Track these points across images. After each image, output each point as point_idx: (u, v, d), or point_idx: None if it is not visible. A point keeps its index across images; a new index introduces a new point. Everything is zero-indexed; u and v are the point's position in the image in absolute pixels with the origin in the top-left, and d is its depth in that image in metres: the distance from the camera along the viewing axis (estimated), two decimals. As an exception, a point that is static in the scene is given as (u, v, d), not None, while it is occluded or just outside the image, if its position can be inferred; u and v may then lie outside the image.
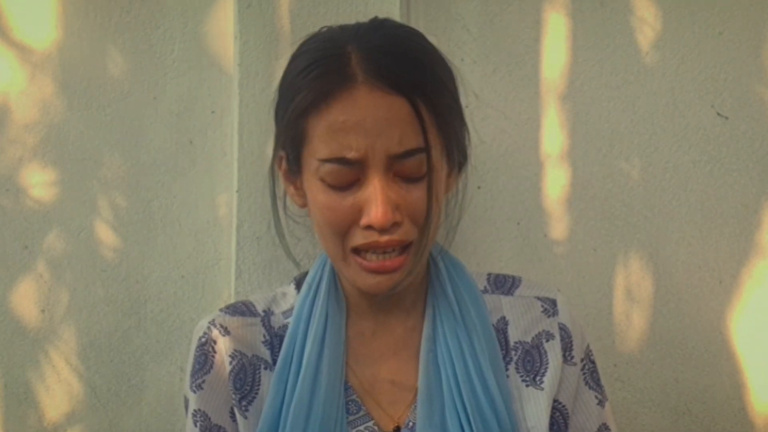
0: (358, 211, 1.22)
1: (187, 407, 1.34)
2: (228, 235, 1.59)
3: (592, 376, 1.36)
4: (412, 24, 1.56)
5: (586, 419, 1.35)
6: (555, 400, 1.33)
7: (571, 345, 1.34)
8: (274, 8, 1.55)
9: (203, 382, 1.31)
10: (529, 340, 1.35)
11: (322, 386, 1.27)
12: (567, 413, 1.34)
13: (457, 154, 1.31)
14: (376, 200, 1.20)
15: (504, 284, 1.38)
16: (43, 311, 1.59)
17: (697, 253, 1.62)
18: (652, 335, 1.63)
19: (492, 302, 1.36)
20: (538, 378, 1.33)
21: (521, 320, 1.35)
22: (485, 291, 1.37)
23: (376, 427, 1.30)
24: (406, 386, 1.32)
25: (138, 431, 1.61)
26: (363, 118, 1.20)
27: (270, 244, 1.53)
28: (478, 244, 1.61)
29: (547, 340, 1.34)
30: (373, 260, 1.24)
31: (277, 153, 1.33)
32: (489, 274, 1.40)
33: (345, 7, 1.55)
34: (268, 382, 1.31)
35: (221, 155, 1.60)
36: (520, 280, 1.39)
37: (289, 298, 1.38)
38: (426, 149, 1.22)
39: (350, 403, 1.31)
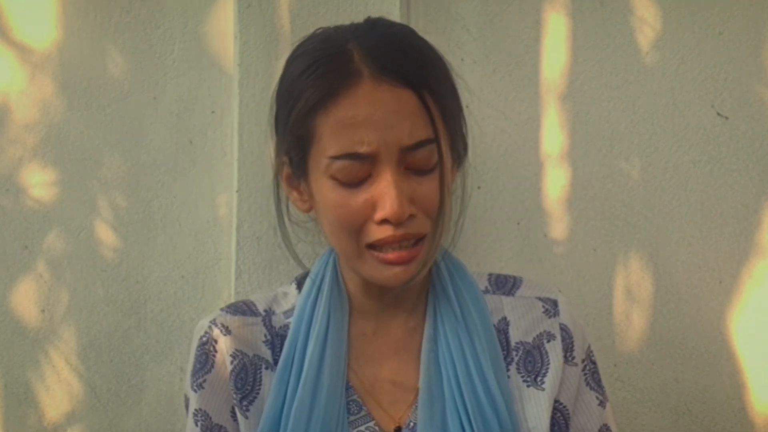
0: (372, 207, 1.22)
1: (187, 407, 1.33)
2: (228, 235, 1.59)
3: (593, 376, 1.36)
4: (412, 24, 1.56)
5: (587, 420, 1.35)
6: (556, 401, 1.33)
7: (572, 345, 1.34)
8: (274, 8, 1.55)
9: (204, 381, 1.31)
10: (530, 340, 1.35)
11: (324, 387, 1.27)
12: (568, 414, 1.34)
13: (459, 146, 1.31)
14: (390, 194, 1.21)
15: (505, 285, 1.38)
16: (43, 311, 1.59)
17: (697, 253, 1.63)
18: (652, 335, 1.63)
19: (493, 303, 1.36)
20: (539, 378, 1.33)
21: (522, 321, 1.35)
22: (486, 291, 1.37)
23: (377, 428, 1.30)
24: (407, 386, 1.32)
25: (138, 431, 1.61)
26: (372, 113, 1.20)
27: (270, 244, 1.53)
28: (478, 244, 1.61)
29: (548, 341, 1.34)
30: (389, 252, 1.24)
31: (279, 159, 1.32)
32: (490, 275, 1.40)
33: (345, 7, 1.55)
34: (269, 382, 1.31)
35: (221, 155, 1.60)
36: (521, 281, 1.39)
37: (290, 297, 1.38)
38: (436, 140, 1.23)
39: (351, 403, 1.31)
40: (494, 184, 1.62)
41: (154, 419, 1.61)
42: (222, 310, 1.36)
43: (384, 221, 1.22)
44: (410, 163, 1.22)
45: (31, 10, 1.58)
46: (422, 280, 1.34)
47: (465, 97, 1.34)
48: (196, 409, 1.30)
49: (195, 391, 1.31)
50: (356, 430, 1.29)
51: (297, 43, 1.31)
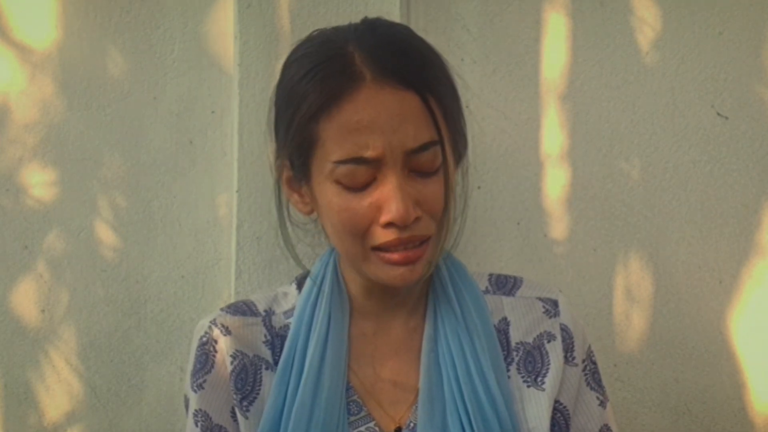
0: (377, 210, 1.22)
1: (187, 407, 1.33)
2: (228, 235, 1.59)
3: (593, 376, 1.36)
4: (412, 24, 1.56)
5: (587, 420, 1.35)
6: (556, 401, 1.33)
7: (573, 346, 1.34)
8: (274, 8, 1.55)
9: (204, 381, 1.31)
10: (530, 340, 1.35)
11: (324, 387, 1.27)
12: (568, 414, 1.34)
13: (461, 145, 1.31)
14: (395, 197, 1.20)
15: (505, 285, 1.38)
16: (43, 311, 1.59)
17: (697, 253, 1.63)
18: (652, 335, 1.63)
19: (493, 303, 1.36)
20: (539, 379, 1.33)
21: (523, 321, 1.35)
22: (487, 291, 1.37)
23: (377, 428, 1.30)
24: (408, 387, 1.32)
25: (138, 431, 1.61)
26: (377, 116, 1.20)
27: (270, 244, 1.53)
28: (478, 244, 1.61)
29: (549, 341, 1.34)
30: (395, 253, 1.24)
31: (279, 162, 1.31)
32: (490, 275, 1.40)
33: (345, 7, 1.55)
34: (270, 382, 1.31)
35: (221, 155, 1.60)
36: (521, 281, 1.39)
37: (291, 298, 1.38)
38: (440, 141, 1.23)
39: (351, 403, 1.31)
40: (494, 184, 1.62)
41: (154, 419, 1.61)
42: (222, 310, 1.36)
43: (389, 224, 1.22)
44: (414, 166, 1.22)
45: (31, 10, 1.58)
46: (423, 281, 1.34)
47: (465, 97, 1.34)
48: (196, 410, 1.30)
49: (195, 391, 1.31)
50: (356, 430, 1.29)
51: (294, 46, 1.30)
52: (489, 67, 1.62)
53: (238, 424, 1.30)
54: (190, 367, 1.33)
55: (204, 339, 1.33)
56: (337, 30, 1.28)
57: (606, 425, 1.36)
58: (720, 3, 1.63)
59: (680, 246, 1.63)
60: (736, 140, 1.63)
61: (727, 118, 1.63)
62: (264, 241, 1.54)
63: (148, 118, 1.60)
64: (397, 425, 1.30)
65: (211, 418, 1.30)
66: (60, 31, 1.59)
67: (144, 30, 1.60)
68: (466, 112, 1.34)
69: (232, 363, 1.31)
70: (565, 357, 1.34)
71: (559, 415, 1.33)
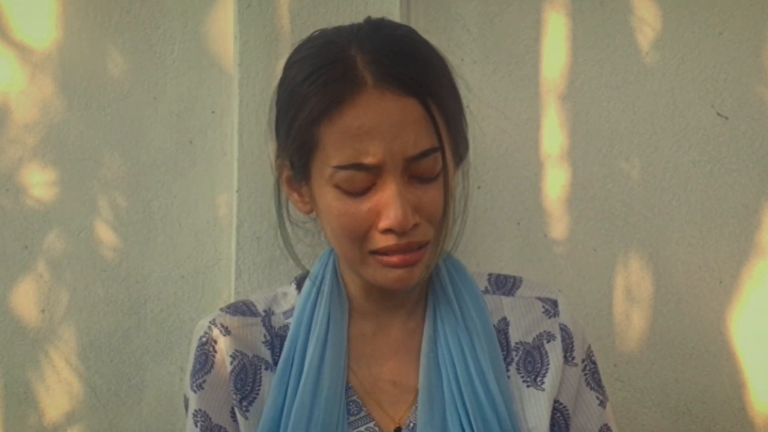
0: (376, 215, 1.22)
1: (187, 407, 1.33)
2: (228, 235, 1.59)
3: (593, 376, 1.36)
4: (412, 24, 1.56)
5: (587, 420, 1.35)
6: (556, 401, 1.33)
7: (572, 346, 1.34)
8: (274, 8, 1.55)
9: (204, 381, 1.31)
10: (530, 340, 1.35)
11: (324, 388, 1.27)
12: (568, 414, 1.34)
13: (462, 149, 1.31)
14: (395, 203, 1.20)
15: (505, 285, 1.38)
16: (43, 311, 1.59)
17: (697, 253, 1.63)
18: (652, 335, 1.63)
19: (493, 303, 1.36)
20: (539, 379, 1.33)
21: (522, 321, 1.35)
22: (486, 291, 1.37)
23: (377, 428, 1.30)
24: (407, 387, 1.32)
25: (138, 431, 1.61)
26: (378, 123, 1.19)
27: (270, 244, 1.53)
28: (478, 244, 1.61)
29: (548, 341, 1.34)
30: (393, 256, 1.23)
31: (280, 162, 1.31)
32: (490, 275, 1.40)
33: (345, 7, 1.55)
34: (269, 382, 1.30)
35: (221, 155, 1.60)
36: (521, 281, 1.39)
37: (290, 298, 1.38)
38: (440, 148, 1.22)
39: (351, 403, 1.31)
40: (494, 184, 1.62)
41: (154, 419, 1.61)
42: (221, 310, 1.36)
43: (388, 230, 1.22)
44: (414, 172, 1.22)
45: (31, 10, 1.58)
46: (423, 282, 1.34)
47: (465, 97, 1.34)
48: (195, 410, 1.30)
49: (195, 391, 1.31)
50: (356, 430, 1.29)
51: (296, 46, 1.30)
52: (489, 67, 1.62)
53: (237, 424, 1.30)
54: (189, 367, 1.33)
55: (204, 339, 1.33)
56: (339, 31, 1.28)
57: (606, 425, 1.36)
58: (720, 3, 1.63)
59: (680, 246, 1.63)
60: (736, 140, 1.63)
61: (727, 118, 1.63)
62: (264, 241, 1.54)
63: (148, 118, 1.60)
64: (397, 425, 1.30)
65: (210, 419, 1.30)
66: (60, 31, 1.59)
67: (144, 30, 1.60)
68: (466, 112, 1.34)
69: (231, 363, 1.31)
70: (565, 357, 1.34)
71: (558, 415, 1.33)
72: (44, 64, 1.59)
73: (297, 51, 1.29)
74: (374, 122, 1.19)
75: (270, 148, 1.36)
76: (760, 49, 1.63)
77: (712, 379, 1.63)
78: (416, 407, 1.29)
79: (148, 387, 1.61)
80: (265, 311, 1.36)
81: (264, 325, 1.35)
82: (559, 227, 1.62)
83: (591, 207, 1.62)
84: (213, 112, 1.61)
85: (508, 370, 1.33)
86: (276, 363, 1.31)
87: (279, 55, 1.52)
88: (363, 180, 1.21)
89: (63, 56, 1.59)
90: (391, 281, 1.25)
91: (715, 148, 1.63)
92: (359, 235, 1.23)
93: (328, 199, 1.24)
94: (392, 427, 1.30)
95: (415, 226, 1.22)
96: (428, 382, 1.29)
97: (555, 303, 1.37)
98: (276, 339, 1.34)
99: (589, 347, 1.38)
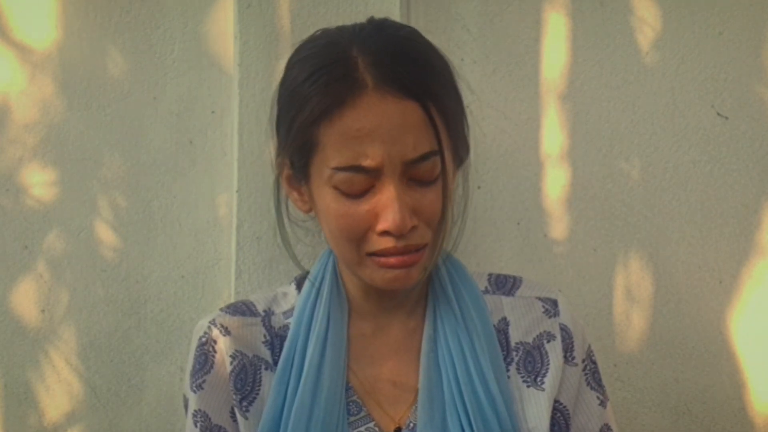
0: (374, 217, 1.22)
1: (186, 407, 1.33)
2: (228, 235, 1.59)
3: (593, 376, 1.36)
4: (412, 24, 1.56)
5: (588, 420, 1.35)
6: (556, 401, 1.33)
7: (573, 345, 1.34)
8: (274, 8, 1.55)
9: (204, 382, 1.31)
10: (530, 340, 1.35)
11: (324, 388, 1.27)
12: (568, 414, 1.34)
13: (462, 151, 1.31)
14: (393, 206, 1.20)
15: (505, 284, 1.38)
16: (43, 311, 1.59)
17: (697, 253, 1.63)
18: (652, 335, 1.63)
19: (493, 303, 1.36)
20: (539, 379, 1.33)
21: (522, 321, 1.35)
22: (486, 291, 1.37)
23: (377, 428, 1.30)
24: (407, 387, 1.32)
25: (138, 431, 1.61)
26: (377, 126, 1.19)
27: (270, 244, 1.53)
28: (478, 244, 1.61)
29: (548, 341, 1.34)
30: (391, 257, 1.23)
31: (280, 160, 1.31)
32: (490, 275, 1.40)
33: (345, 7, 1.55)
34: (269, 382, 1.30)
35: (221, 155, 1.60)
36: (521, 281, 1.39)
37: (290, 298, 1.38)
38: (440, 152, 1.22)
39: (351, 404, 1.31)
40: (494, 184, 1.62)
41: (154, 419, 1.61)
42: (221, 310, 1.36)
43: (385, 233, 1.22)
44: (413, 175, 1.22)
45: (31, 10, 1.58)
46: (422, 281, 1.34)
47: (465, 97, 1.34)
48: (195, 410, 1.30)
49: (194, 391, 1.31)
50: (356, 430, 1.29)
51: (298, 45, 1.29)
52: (489, 67, 1.62)
53: (237, 424, 1.30)
54: (189, 367, 1.33)
55: (203, 339, 1.33)
56: (341, 31, 1.27)
57: (606, 425, 1.36)
58: (720, 3, 1.63)
59: (680, 246, 1.63)
60: (736, 140, 1.63)
61: (727, 118, 1.63)
62: (264, 241, 1.54)
63: (148, 118, 1.60)
64: (397, 425, 1.30)
65: (210, 419, 1.30)
66: (60, 31, 1.59)
67: (144, 30, 1.60)
68: (466, 112, 1.34)
69: (231, 363, 1.31)
70: (565, 357, 1.34)
71: (559, 414, 1.33)
72: (44, 64, 1.59)
73: (299, 50, 1.29)
74: (374, 125, 1.19)
75: (271, 145, 1.36)
76: (760, 49, 1.63)
77: (712, 379, 1.63)
78: (416, 407, 1.29)
79: (148, 387, 1.61)
80: (265, 311, 1.36)
81: (264, 325, 1.35)
82: (559, 227, 1.62)
83: (591, 207, 1.62)
84: (213, 112, 1.61)
85: (508, 370, 1.33)
86: (276, 363, 1.31)
87: (279, 55, 1.52)
88: (362, 182, 1.21)
89: (63, 56, 1.59)
90: (388, 282, 1.25)
91: (715, 148, 1.63)
92: (357, 237, 1.23)
93: (327, 199, 1.24)
94: (392, 427, 1.30)
95: (413, 228, 1.22)
96: (428, 382, 1.29)
97: (555, 303, 1.37)
98: (276, 339, 1.34)
99: (590, 347, 1.37)
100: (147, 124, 1.60)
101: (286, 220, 1.37)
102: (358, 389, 1.31)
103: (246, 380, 1.31)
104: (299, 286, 1.38)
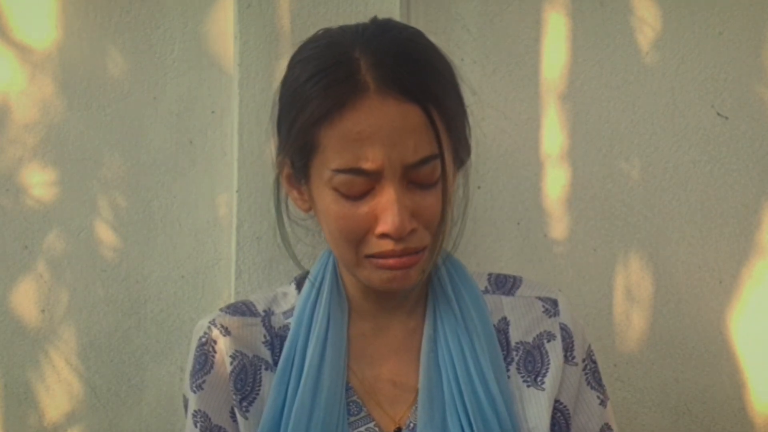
0: (373, 219, 1.22)
1: (186, 407, 1.33)
2: (228, 235, 1.59)
3: (593, 376, 1.36)
4: (412, 24, 1.56)
5: (588, 419, 1.35)
6: (556, 401, 1.33)
7: (573, 345, 1.34)
8: (274, 8, 1.55)
9: (203, 382, 1.31)
10: (530, 340, 1.34)
11: (324, 388, 1.27)
12: (568, 413, 1.34)
13: (463, 153, 1.31)
14: (392, 209, 1.20)
15: (505, 284, 1.38)
16: (43, 311, 1.59)
17: (697, 253, 1.63)
18: (652, 335, 1.63)
19: (493, 302, 1.36)
20: (539, 378, 1.33)
21: (522, 320, 1.35)
22: (486, 291, 1.37)
23: (377, 428, 1.30)
24: (407, 387, 1.32)
25: (138, 431, 1.61)
26: (378, 129, 1.19)
27: (270, 244, 1.53)
28: (478, 244, 1.61)
29: (549, 341, 1.34)
30: (390, 258, 1.23)
31: (280, 159, 1.31)
32: (490, 274, 1.40)
33: (345, 7, 1.55)
34: (269, 382, 1.30)
35: (221, 155, 1.60)
36: (521, 280, 1.39)
37: (290, 298, 1.38)
38: (440, 155, 1.22)
39: (351, 404, 1.31)
40: (494, 184, 1.62)
41: (154, 419, 1.61)
42: (221, 310, 1.36)
43: (384, 235, 1.21)
44: (413, 178, 1.22)
45: (31, 10, 1.58)
46: (422, 282, 1.34)
47: (465, 98, 1.34)
48: (195, 410, 1.30)
49: (194, 392, 1.30)
50: (356, 430, 1.29)
51: (301, 44, 1.29)
52: (489, 67, 1.62)
53: (237, 424, 1.30)
54: (189, 367, 1.33)
55: (203, 339, 1.33)
56: (344, 31, 1.27)
57: (606, 424, 1.36)
58: (720, 3, 1.63)
59: (680, 246, 1.63)
60: (736, 140, 1.63)
61: (727, 118, 1.63)
62: (264, 241, 1.54)
63: (148, 118, 1.60)
64: (397, 425, 1.30)
65: (210, 419, 1.30)
66: (60, 31, 1.59)
67: (144, 30, 1.60)
68: (468, 114, 1.34)
69: (231, 363, 1.31)
70: (565, 356, 1.34)
71: (559, 414, 1.33)
72: (44, 64, 1.59)
73: (301, 50, 1.28)
74: (375, 127, 1.19)
75: (271, 144, 1.36)
76: (760, 49, 1.63)
77: (712, 379, 1.63)
78: (416, 407, 1.29)
79: (148, 387, 1.61)
80: (264, 311, 1.36)
81: (264, 325, 1.35)
82: (559, 227, 1.62)
83: (591, 207, 1.62)
84: (213, 112, 1.61)
85: (508, 370, 1.33)
86: (276, 363, 1.31)
87: (279, 55, 1.52)
88: (361, 184, 1.21)
89: (63, 56, 1.59)
90: (386, 283, 1.25)
91: (715, 148, 1.63)
92: (356, 239, 1.23)
93: (327, 201, 1.24)
94: (392, 427, 1.30)
95: (412, 231, 1.22)
96: (428, 382, 1.29)
97: (555, 302, 1.37)
98: (276, 339, 1.34)
99: (590, 347, 1.37)
100: (147, 124, 1.60)
101: (286, 219, 1.36)
102: (358, 389, 1.31)
103: (246, 380, 1.31)
104: (299, 286, 1.38)
